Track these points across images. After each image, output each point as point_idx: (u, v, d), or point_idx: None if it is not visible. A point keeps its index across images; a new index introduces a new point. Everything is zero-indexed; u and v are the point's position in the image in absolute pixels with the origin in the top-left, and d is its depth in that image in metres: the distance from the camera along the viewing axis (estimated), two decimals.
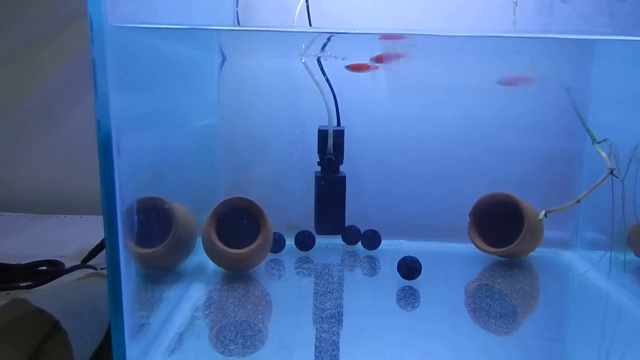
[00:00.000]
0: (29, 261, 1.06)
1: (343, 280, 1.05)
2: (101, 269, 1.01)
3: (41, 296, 0.74)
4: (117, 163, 0.62)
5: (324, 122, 1.19)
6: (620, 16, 1.00)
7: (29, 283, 0.98)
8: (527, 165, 1.23)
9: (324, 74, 1.19)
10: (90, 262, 1.07)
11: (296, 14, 1.15)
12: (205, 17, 1.05)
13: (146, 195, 0.78)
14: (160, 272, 0.88)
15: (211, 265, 1.05)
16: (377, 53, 1.14)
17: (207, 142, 1.19)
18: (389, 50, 1.10)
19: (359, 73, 1.17)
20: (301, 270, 1.10)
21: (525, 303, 0.97)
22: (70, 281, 0.90)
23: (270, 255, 1.11)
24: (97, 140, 0.60)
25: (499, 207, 1.15)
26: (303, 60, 1.15)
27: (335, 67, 1.18)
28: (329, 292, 0.97)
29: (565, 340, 0.88)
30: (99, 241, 1.08)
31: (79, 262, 1.07)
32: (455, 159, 1.25)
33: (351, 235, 1.22)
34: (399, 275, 1.02)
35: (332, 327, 0.83)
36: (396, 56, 1.13)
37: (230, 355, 0.74)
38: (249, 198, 1.03)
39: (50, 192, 1.52)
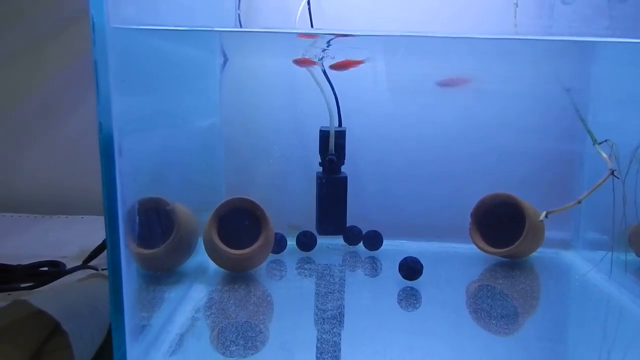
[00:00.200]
0: (30, 262, 1.06)
1: (344, 280, 1.05)
2: (102, 269, 1.02)
3: (42, 297, 0.74)
4: (119, 164, 0.62)
5: (325, 123, 1.19)
6: (620, 18, 1.00)
7: (30, 284, 0.98)
8: (528, 166, 1.23)
9: (325, 75, 1.19)
10: (92, 263, 1.07)
11: (298, 15, 1.15)
12: (207, 19, 1.05)
13: (148, 196, 0.78)
14: (162, 273, 0.88)
15: (212, 265, 1.05)
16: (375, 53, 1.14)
17: (208, 143, 1.19)
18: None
19: (345, 70, 1.17)
20: (302, 270, 1.10)
21: (526, 304, 0.97)
22: (72, 282, 0.90)
23: (271, 256, 1.11)
24: (98, 141, 0.60)
25: (500, 208, 1.15)
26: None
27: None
28: (330, 292, 0.97)
29: (566, 341, 0.88)
30: (101, 242, 1.08)
31: (80, 263, 1.07)
32: (456, 159, 1.25)
33: (352, 236, 1.22)
34: (400, 275, 1.02)
35: (333, 328, 0.83)
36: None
37: (231, 357, 0.74)
38: (251, 198, 1.03)
39: (52, 192, 1.52)
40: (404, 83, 1.23)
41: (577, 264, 1.18)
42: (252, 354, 0.75)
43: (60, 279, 1.00)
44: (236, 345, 0.77)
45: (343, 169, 1.21)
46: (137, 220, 0.70)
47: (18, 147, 1.53)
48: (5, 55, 1.49)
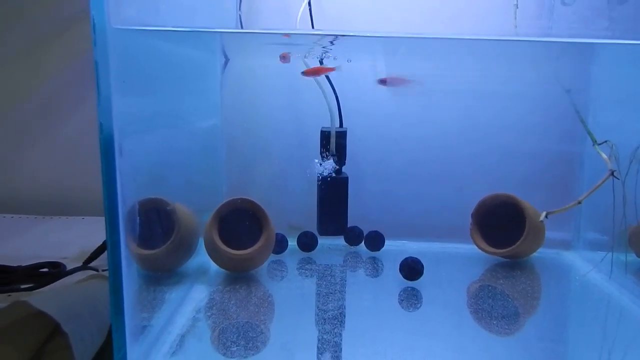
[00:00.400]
0: (30, 263, 1.06)
1: (345, 281, 1.05)
2: (103, 270, 1.02)
3: (42, 298, 0.74)
4: (119, 164, 0.62)
5: (326, 123, 1.19)
6: (620, 19, 1.00)
7: (30, 285, 0.98)
8: (529, 166, 1.23)
9: (326, 76, 1.19)
10: (92, 264, 1.07)
11: (299, 16, 1.15)
12: (208, 19, 1.06)
13: (148, 196, 0.78)
14: (163, 274, 0.88)
15: (213, 266, 1.05)
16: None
17: (209, 143, 1.19)
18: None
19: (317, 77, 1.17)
20: (303, 271, 1.10)
21: (527, 304, 0.97)
22: (72, 283, 0.90)
23: (272, 256, 1.11)
24: (99, 142, 0.60)
25: (501, 208, 1.15)
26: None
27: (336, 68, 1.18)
28: (331, 293, 0.97)
29: (567, 341, 0.88)
30: (101, 242, 1.08)
31: (80, 264, 1.07)
32: (457, 160, 1.25)
33: (353, 236, 1.22)
34: (401, 276, 1.02)
35: (334, 329, 0.83)
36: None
37: (232, 357, 0.74)
38: (251, 199, 1.04)
39: (52, 193, 1.52)
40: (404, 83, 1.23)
41: (578, 264, 1.18)
42: (252, 354, 0.75)
43: (61, 280, 1.00)
44: (237, 346, 0.77)
45: (344, 169, 1.21)
46: (138, 220, 0.70)
47: (18, 147, 1.53)
48: (6, 55, 1.49)
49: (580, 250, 1.23)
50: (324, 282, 1.03)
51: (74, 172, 1.50)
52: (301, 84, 1.21)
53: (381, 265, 1.13)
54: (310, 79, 1.17)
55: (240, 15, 1.19)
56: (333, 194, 1.19)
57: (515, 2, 1.09)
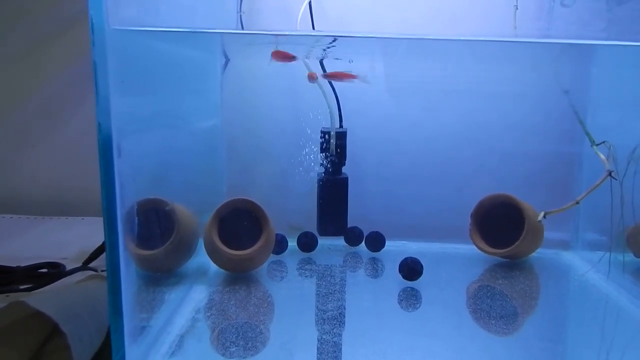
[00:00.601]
0: (30, 263, 1.06)
1: (345, 281, 1.05)
2: (102, 271, 1.02)
3: (41, 298, 0.74)
4: (118, 165, 0.62)
5: (326, 124, 1.19)
6: (618, 21, 1.00)
7: (29, 285, 0.98)
8: (528, 167, 1.23)
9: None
10: (92, 264, 1.08)
11: (299, 17, 1.15)
12: (208, 20, 1.06)
13: (148, 197, 0.78)
14: (162, 274, 0.88)
15: (213, 266, 1.05)
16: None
17: (209, 144, 1.19)
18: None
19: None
20: (303, 271, 1.10)
21: (526, 304, 0.97)
22: (71, 283, 0.90)
23: (272, 257, 1.11)
24: (97, 142, 0.61)
25: (500, 209, 1.15)
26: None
27: (336, 68, 1.18)
28: (331, 293, 0.97)
29: (565, 341, 0.88)
30: (101, 243, 1.09)
31: (80, 264, 1.07)
32: (457, 161, 1.25)
33: (353, 237, 1.22)
34: (400, 276, 1.02)
35: (334, 329, 0.83)
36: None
37: (231, 357, 0.74)
38: (251, 199, 1.04)
39: (52, 193, 1.52)
40: (404, 84, 1.23)
41: (576, 264, 1.18)
42: (252, 354, 0.75)
43: (60, 281, 1.00)
44: (236, 346, 0.77)
45: (344, 169, 1.21)
46: (137, 221, 0.70)
47: (18, 148, 1.53)
48: (6, 55, 1.49)
49: (578, 250, 1.23)
50: (324, 283, 1.03)
51: (74, 173, 1.50)
52: (301, 85, 1.21)
53: (381, 266, 1.13)
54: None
55: (240, 16, 1.19)
56: (333, 195, 1.20)
57: (515, 4, 1.10)
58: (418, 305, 0.95)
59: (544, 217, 1.10)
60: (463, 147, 1.24)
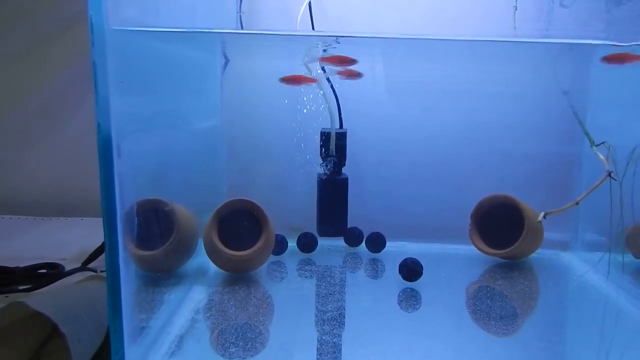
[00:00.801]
0: (30, 264, 1.06)
1: (345, 282, 1.05)
2: (101, 271, 1.02)
3: (39, 299, 0.74)
4: (118, 165, 0.62)
5: (326, 124, 1.19)
6: (617, 21, 1.00)
7: (28, 286, 0.98)
8: (528, 167, 1.23)
9: (327, 78, 1.19)
10: (91, 265, 1.08)
11: (299, 17, 1.15)
12: (208, 20, 1.06)
13: (147, 197, 0.78)
14: (162, 275, 0.88)
15: (212, 267, 1.05)
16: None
17: (209, 144, 1.19)
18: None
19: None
20: (303, 272, 1.10)
21: (525, 304, 0.97)
22: (70, 284, 0.90)
23: (272, 257, 1.11)
24: (97, 142, 0.61)
25: (500, 209, 1.15)
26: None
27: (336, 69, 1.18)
28: (331, 294, 0.97)
29: (565, 341, 0.88)
30: (100, 243, 1.08)
31: (80, 265, 1.07)
32: (457, 161, 1.25)
33: (353, 237, 1.22)
34: (400, 277, 1.02)
35: (333, 329, 0.83)
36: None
37: (230, 358, 0.74)
38: (251, 200, 1.04)
39: (52, 194, 1.52)
40: (404, 85, 1.23)
41: (576, 264, 1.18)
42: (251, 355, 0.75)
43: (59, 281, 1.00)
44: (236, 347, 0.77)
45: (344, 170, 1.21)
46: (136, 221, 0.70)
47: (18, 148, 1.53)
48: (6, 55, 1.49)
49: (578, 251, 1.23)
50: (324, 283, 1.03)
51: (73, 173, 1.50)
52: (301, 85, 1.21)
53: (381, 266, 1.13)
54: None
55: (240, 16, 1.19)
56: (333, 195, 1.20)
57: (515, 4, 1.10)
58: (418, 305, 0.95)
59: (544, 217, 1.10)
60: (463, 148, 1.24)
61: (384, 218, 1.26)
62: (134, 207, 0.69)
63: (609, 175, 1.02)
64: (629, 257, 1.03)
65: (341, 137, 1.19)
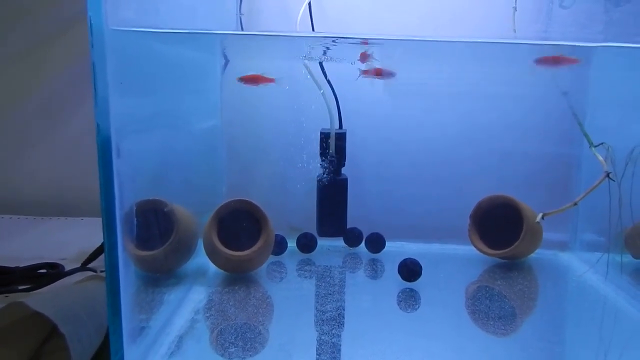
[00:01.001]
0: (30, 263, 1.06)
1: (344, 282, 1.05)
2: (101, 271, 1.02)
3: (39, 299, 0.74)
4: (117, 165, 0.62)
5: (326, 125, 1.19)
6: (616, 23, 1.00)
7: (28, 286, 0.98)
8: (527, 168, 1.23)
9: (326, 77, 1.19)
10: (91, 265, 1.08)
11: (299, 18, 1.15)
12: (208, 21, 1.06)
13: (147, 198, 0.78)
14: (161, 275, 0.88)
15: (212, 267, 1.05)
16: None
17: (209, 144, 1.19)
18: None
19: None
20: (303, 272, 1.10)
21: (524, 304, 0.97)
22: (70, 284, 0.90)
23: (271, 258, 1.11)
24: (96, 143, 0.61)
25: (499, 210, 1.15)
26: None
27: (337, 69, 1.18)
28: (330, 294, 0.98)
29: (564, 341, 0.88)
30: (100, 244, 1.08)
31: (79, 265, 1.07)
32: (457, 162, 1.25)
33: (353, 237, 1.22)
34: (399, 277, 1.02)
35: (333, 330, 0.83)
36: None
37: (230, 358, 0.75)
38: (251, 200, 1.04)
39: (52, 194, 1.52)
40: (404, 85, 1.23)
41: (575, 265, 1.18)
42: (251, 355, 0.75)
43: (59, 281, 1.00)
44: (235, 347, 0.77)
45: (344, 170, 1.21)
46: (136, 222, 0.70)
47: (18, 148, 1.53)
48: (6, 55, 1.49)
49: (577, 251, 1.23)
50: (323, 284, 1.03)
51: (73, 173, 1.50)
52: (301, 85, 1.21)
53: (380, 267, 1.14)
54: (311, 81, 1.17)
55: (240, 17, 1.20)
56: (333, 196, 1.20)
57: (514, 6, 1.10)
58: (417, 306, 0.95)
59: (543, 218, 1.10)
60: (462, 148, 1.24)
61: (383, 218, 1.26)
62: (133, 208, 0.69)
63: (608, 176, 1.02)
64: (627, 258, 1.03)
65: (341, 137, 1.19)
